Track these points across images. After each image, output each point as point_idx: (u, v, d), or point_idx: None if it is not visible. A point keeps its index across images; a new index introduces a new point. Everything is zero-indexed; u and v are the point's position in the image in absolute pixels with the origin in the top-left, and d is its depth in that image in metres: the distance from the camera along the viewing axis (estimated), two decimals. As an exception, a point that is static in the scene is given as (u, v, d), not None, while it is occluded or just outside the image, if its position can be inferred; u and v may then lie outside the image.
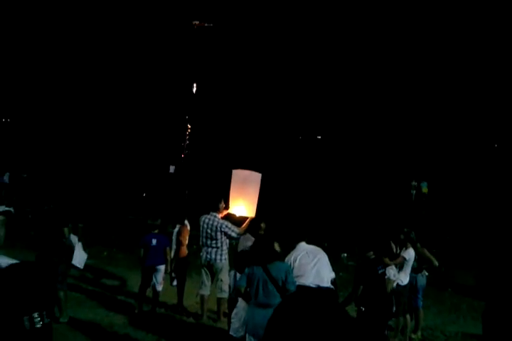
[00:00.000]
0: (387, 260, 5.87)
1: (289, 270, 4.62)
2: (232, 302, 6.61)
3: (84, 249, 7.13)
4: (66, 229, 6.47)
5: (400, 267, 6.26)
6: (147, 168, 26.71)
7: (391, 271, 5.57)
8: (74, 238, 6.93)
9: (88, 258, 9.51)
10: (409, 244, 6.31)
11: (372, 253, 5.33)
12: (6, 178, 19.85)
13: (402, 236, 6.36)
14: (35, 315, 1.80)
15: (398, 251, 6.35)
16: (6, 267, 1.95)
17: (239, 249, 6.03)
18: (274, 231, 5.96)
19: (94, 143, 34.35)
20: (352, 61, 46.37)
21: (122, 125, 38.77)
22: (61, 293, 6.31)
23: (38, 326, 1.81)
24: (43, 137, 35.30)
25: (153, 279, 7.02)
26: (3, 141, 32.74)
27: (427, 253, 6.61)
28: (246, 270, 4.65)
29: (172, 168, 24.18)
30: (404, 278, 6.29)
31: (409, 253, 6.26)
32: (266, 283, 4.45)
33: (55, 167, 24.74)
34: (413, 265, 6.37)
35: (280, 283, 4.45)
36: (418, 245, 6.51)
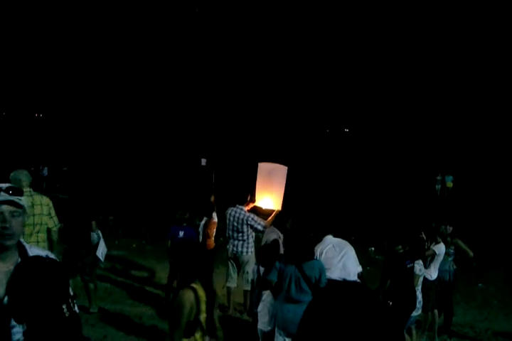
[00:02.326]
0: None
1: (323, 268, 4.49)
2: (251, 295, 6.63)
3: (114, 240, 7.24)
4: (94, 223, 6.58)
5: (430, 261, 6.17)
6: (179, 161, 26.99)
7: (417, 266, 5.48)
8: (98, 231, 7.06)
9: (118, 250, 9.74)
10: (439, 239, 6.20)
11: (400, 247, 5.25)
12: (45, 172, 20.58)
13: (432, 231, 6.26)
14: (70, 302, 1.87)
15: (428, 245, 6.25)
16: (47, 257, 2.03)
17: (262, 242, 5.99)
18: (301, 225, 5.91)
19: (128, 138, 34.90)
20: (380, 56, 45.74)
21: (155, 119, 39.25)
22: (90, 285, 6.42)
23: (76, 312, 1.90)
24: (78, 132, 36.06)
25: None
26: (38, 135, 33.58)
27: (462, 244, 6.49)
28: (277, 264, 4.54)
29: (204, 161, 24.37)
30: (433, 273, 6.19)
31: (440, 248, 6.16)
32: (299, 280, 4.36)
33: (93, 160, 25.27)
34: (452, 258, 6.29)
35: (313, 281, 4.36)
36: (448, 239, 6.39)
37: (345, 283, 4.32)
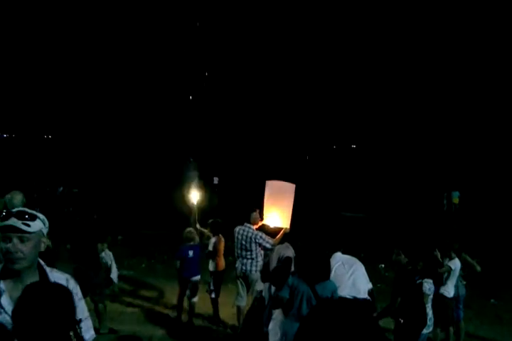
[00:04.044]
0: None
1: (336, 290, 4.45)
2: (254, 313, 6.58)
3: (123, 260, 7.28)
4: (100, 245, 6.65)
5: (446, 278, 6.13)
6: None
7: (426, 285, 5.41)
8: (108, 252, 7.11)
9: (127, 270, 9.75)
10: (453, 255, 6.18)
11: (403, 256, 5.23)
12: (59, 192, 20.75)
13: (446, 247, 6.24)
14: (78, 328, 1.86)
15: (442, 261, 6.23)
16: (54, 283, 2.06)
17: (274, 258, 5.92)
18: (316, 243, 5.88)
19: (138, 157, 35.15)
20: (387, 72, 46.00)
21: (165, 139, 39.54)
22: (100, 305, 6.44)
23: (83, 337, 1.88)
24: (86, 152, 36.39)
25: (188, 290, 7.09)
26: (49, 156, 33.92)
27: (469, 259, 6.46)
28: (289, 281, 4.49)
29: (216, 179, 24.56)
30: (450, 290, 6.15)
31: (455, 264, 6.13)
32: (310, 299, 4.32)
33: (102, 181, 25.45)
34: (460, 273, 6.24)
35: None
36: (463, 254, 6.38)
37: (338, 300, 4.28)
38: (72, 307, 1.88)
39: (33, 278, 2.16)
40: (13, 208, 2.47)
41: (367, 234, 14.69)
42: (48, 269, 2.25)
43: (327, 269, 4.47)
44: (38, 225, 2.16)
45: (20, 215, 2.12)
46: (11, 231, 2.08)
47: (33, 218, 2.15)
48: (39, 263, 2.24)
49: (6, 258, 2.09)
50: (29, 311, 1.79)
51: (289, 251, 5.74)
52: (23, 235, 2.09)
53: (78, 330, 2.13)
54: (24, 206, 4.11)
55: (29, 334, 1.76)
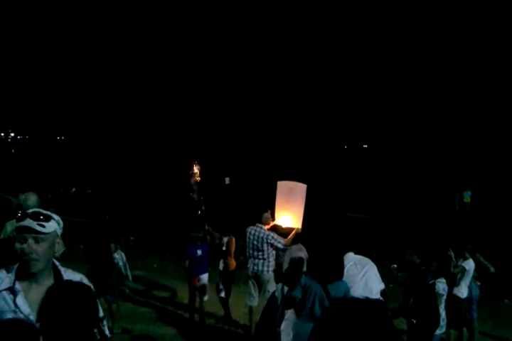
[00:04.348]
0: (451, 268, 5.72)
1: (349, 292, 4.39)
2: (267, 313, 6.57)
3: (135, 261, 7.33)
4: (113, 245, 6.69)
5: (460, 279, 6.09)
6: (203, 180, 27.14)
7: (440, 285, 5.38)
8: (121, 253, 7.16)
9: (139, 270, 9.81)
10: (467, 255, 6.13)
11: (416, 257, 5.20)
12: (72, 193, 20.96)
13: (460, 247, 6.19)
14: (102, 325, 1.88)
15: (456, 262, 6.18)
16: (78, 282, 2.08)
17: (286, 258, 5.92)
18: (330, 243, 5.85)
19: (149, 157, 35.34)
20: (400, 72, 45.85)
21: (177, 140, 39.72)
22: (114, 305, 6.50)
23: (107, 335, 1.90)
24: (98, 152, 36.65)
25: (198, 289, 7.15)
26: (63, 157, 34.21)
27: (483, 260, 6.41)
28: (302, 281, 4.46)
29: (227, 180, 24.60)
30: (464, 290, 6.10)
31: (469, 264, 6.09)
32: (323, 299, 4.28)
33: (115, 183, 25.62)
34: (474, 274, 6.20)
35: None
36: (477, 254, 6.33)
37: (350, 300, 4.22)
38: (96, 305, 1.91)
39: (48, 278, 2.19)
40: (28, 209, 2.49)
41: (379, 235, 14.61)
42: (62, 269, 2.28)
43: (340, 269, 4.43)
44: (53, 226, 2.18)
45: (35, 216, 2.14)
46: (26, 232, 2.11)
47: (48, 219, 2.17)
48: (53, 263, 2.26)
49: (22, 260, 2.12)
50: (56, 309, 1.81)
51: (301, 252, 5.73)
52: (37, 236, 2.11)
53: (102, 328, 2.16)
54: (39, 207, 4.15)
55: (57, 332, 1.80)
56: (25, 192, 4.91)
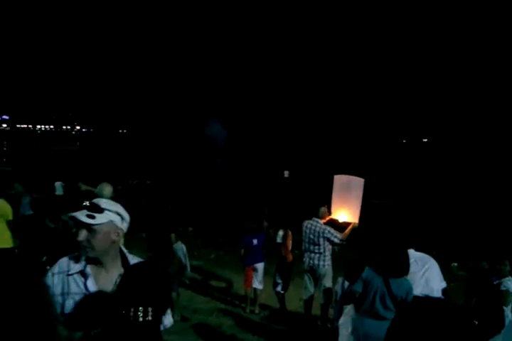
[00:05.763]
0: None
1: (411, 290, 4.24)
2: (325, 309, 6.57)
3: (193, 251, 7.51)
4: (173, 235, 6.87)
5: None
6: (262, 173, 27.36)
7: (510, 283, 5.16)
8: (181, 244, 7.36)
9: (197, 260, 10.04)
10: None
11: (485, 263, 5.02)
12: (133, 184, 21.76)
13: None
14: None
15: None
16: (134, 263, 2.19)
17: None
18: (399, 238, 5.73)
19: (210, 150, 35.95)
20: (458, 66, 44.09)
21: (240, 132, 40.16)
22: (173, 294, 6.69)
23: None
24: (158, 145, 37.64)
25: (254, 278, 7.24)
26: (126, 150, 35.45)
27: None
28: (363, 274, 4.37)
29: (286, 173, 24.75)
30: None
31: None
32: (384, 295, 4.17)
33: (173, 174, 26.30)
34: None
35: (399, 299, 4.14)
36: None
37: (430, 299, 4.08)
38: (168, 288, 2.00)
39: (115, 263, 2.30)
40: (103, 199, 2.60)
41: (440, 232, 14.18)
42: (130, 256, 2.38)
43: (406, 263, 4.27)
44: (106, 217, 2.23)
45: (88, 207, 2.23)
46: (77, 222, 2.22)
47: (100, 211, 2.23)
48: (121, 249, 2.37)
49: (80, 246, 2.25)
50: (135, 289, 1.91)
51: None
52: (88, 226, 2.20)
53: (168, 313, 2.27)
54: (112, 198, 4.35)
55: (133, 312, 1.87)
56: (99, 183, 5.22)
